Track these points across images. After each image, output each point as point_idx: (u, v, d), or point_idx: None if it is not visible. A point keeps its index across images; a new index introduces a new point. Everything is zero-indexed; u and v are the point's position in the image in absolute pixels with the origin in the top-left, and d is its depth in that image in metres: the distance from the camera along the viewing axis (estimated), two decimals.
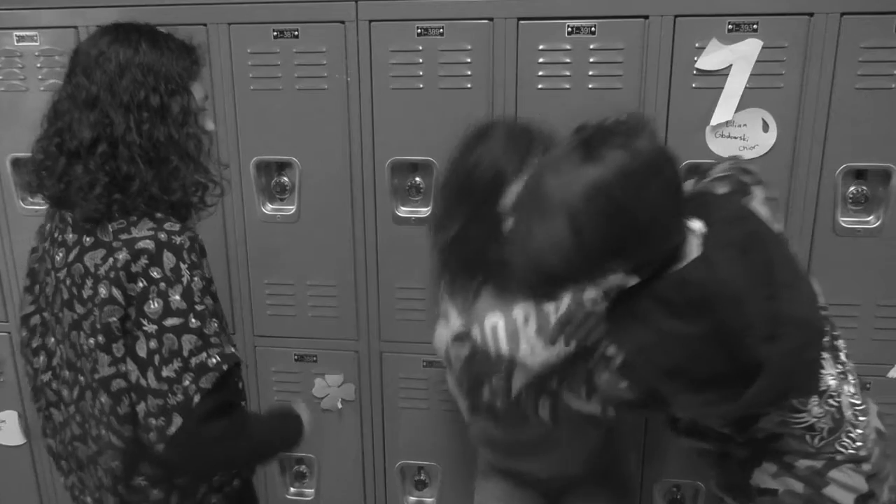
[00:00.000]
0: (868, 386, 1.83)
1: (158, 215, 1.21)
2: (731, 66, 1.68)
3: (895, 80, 1.64)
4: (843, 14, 1.62)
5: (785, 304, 1.10)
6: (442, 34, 1.78)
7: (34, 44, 1.93)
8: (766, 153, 1.72)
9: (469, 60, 1.78)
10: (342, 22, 1.80)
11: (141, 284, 1.16)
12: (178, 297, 1.17)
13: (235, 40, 1.85)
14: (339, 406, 2.08)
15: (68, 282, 1.23)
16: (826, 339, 1.27)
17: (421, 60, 1.80)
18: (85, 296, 1.20)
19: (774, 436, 1.25)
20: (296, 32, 1.83)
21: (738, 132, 1.72)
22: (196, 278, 1.20)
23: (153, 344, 1.17)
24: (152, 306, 1.16)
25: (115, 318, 1.17)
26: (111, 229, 1.20)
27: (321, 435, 2.11)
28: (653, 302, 1.14)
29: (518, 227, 1.17)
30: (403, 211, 1.93)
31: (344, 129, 1.87)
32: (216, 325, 1.23)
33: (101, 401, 1.21)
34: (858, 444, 1.27)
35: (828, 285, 1.78)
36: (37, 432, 2.25)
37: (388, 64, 1.80)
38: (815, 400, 1.23)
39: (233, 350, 1.26)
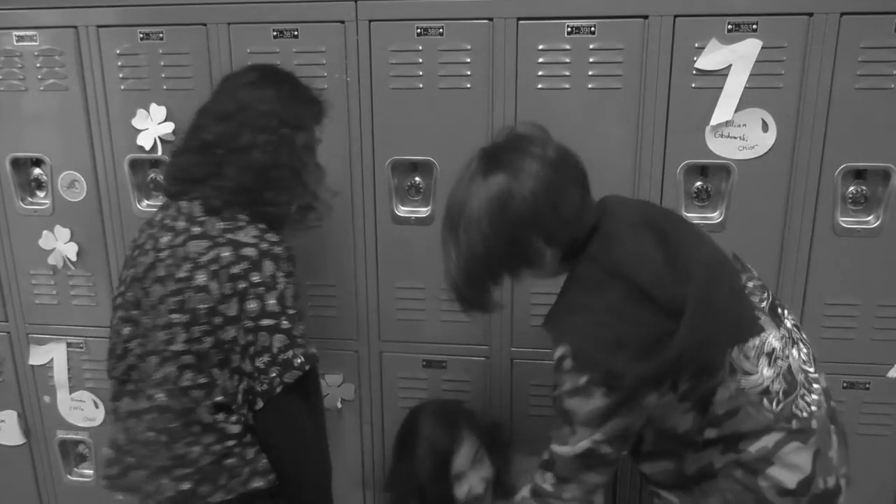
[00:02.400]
0: (868, 386, 1.84)
1: (261, 226, 1.39)
2: (730, 66, 1.68)
3: (895, 80, 1.65)
4: (842, 14, 1.62)
5: (687, 253, 1.22)
6: (442, 34, 1.78)
7: (34, 44, 1.93)
8: (766, 153, 1.72)
9: (469, 60, 1.78)
10: (342, 22, 1.80)
11: (241, 285, 1.32)
12: (273, 301, 1.33)
13: (235, 40, 1.85)
14: (339, 406, 2.08)
15: (169, 261, 1.37)
16: (762, 304, 1.33)
17: (421, 60, 1.80)
18: (178, 276, 1.35)
19: (734, 410, 1.25)
20: (295, 32, 1.83)
21: (738, 132, 1.72)
22: (290, 286, 1.36)
23: (250, 337, 1.33)
24: (250, 306, 1.33)
25: (203, 306, 1.33)
26: (219, 226, 1.37)
27: None
28: (573, 286, 1.27)
29: (451, 244, 1.28)
30: (403, 210, 1.93)
31: (344, 128, 1.87)
32: (303, 328, 1.38)
33: (169, 370, 1.36)
34: (813, 408, 1.29)
35: (827, 285, 1.80)
36: (36, 432, 2.27)
37: (388, 64, 1.80)
38: (764, 361, 1.27)
39: (314, 351, 1.39)
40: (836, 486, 1.30)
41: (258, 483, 1.41)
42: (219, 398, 1.38)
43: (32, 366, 2.21)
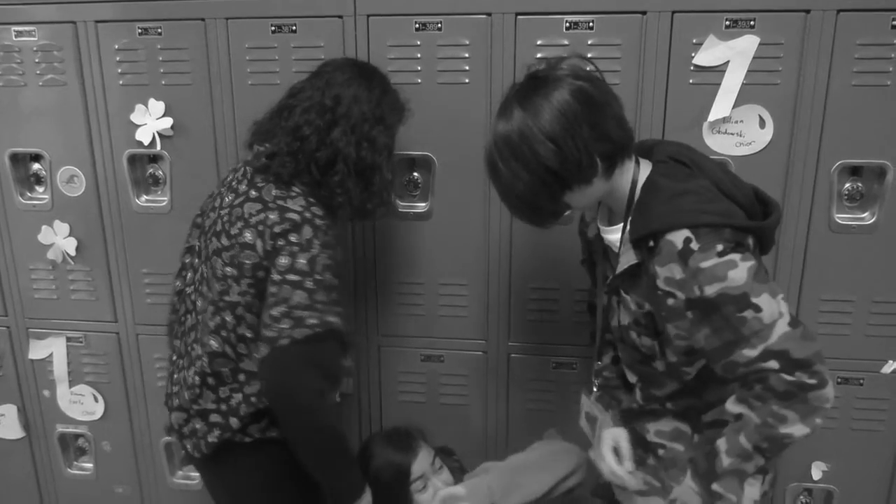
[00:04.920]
0: (862, 382, 1.85)
1: (311, 199, 1.49)
2: (728, 62, 1.68)
3: (891, 77, 1.65)
4: (839, 11, 1.62)
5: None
6: (440, 29, 1.78)
7: (32, 39, 1.93)
8: (763, 149, 1.73)
9: (467, 55, 1.78)
10: (340, 17, 1.81)
11: (280, 243, 1.43)
12: (303, 262, 1.43)
13: (233, 35, 1.86)
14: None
15: (225, 218, 1.51)
16: None
17: (419, 55, 1.80)
18: (232, 233, 1.48)
19: None
20: (293, 27, 1.83)
21: (735, 128, 1.72)
22: (324, 255, 1.45)
23: (273, 289, 1.43)
24: (282, 261, 1.43)
25: (248, 262, 1.45)
26: (273, 193, 1.48)
27: None
28: (660, 182, 1.27)
29: (515, 167, 1.24)
30: (402, 206, 1.93)
31: None
32: (325, 296, 1.44)
33: (226, 318, 1.49)
34: None
35: (823, 281, 1.81)
36: (35, 426, 2.28)
37: (386, 59, 1.81)
38: None
39: (333, 320, 1.45)
40: None
41: (273, 433, 1.55)
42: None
43: (32, 360, 2.22)
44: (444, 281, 1.96)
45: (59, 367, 2.20)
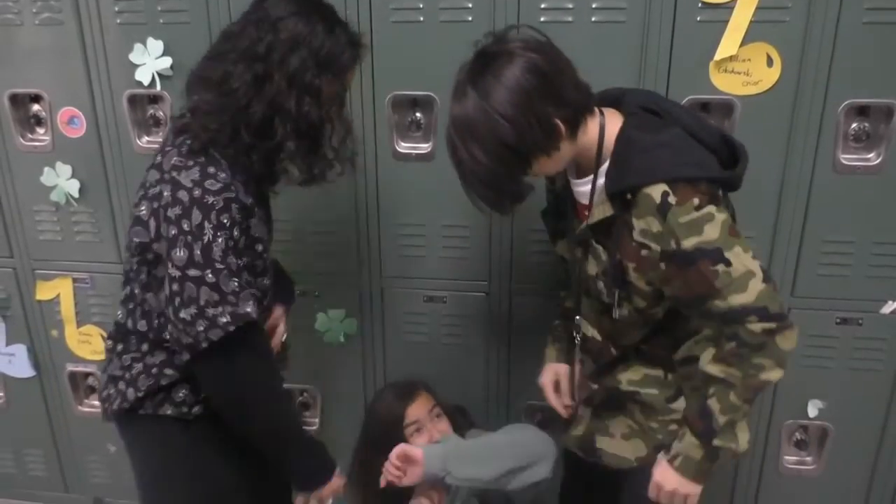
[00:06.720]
0: (861, 322, 1.87)
1: (210, 169, 1.30)
2: None
3: None
4: None
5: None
6: None
7: None
8: (770, 88, 1.71)
9: None
10: None
11: (173, 231, 1.27)
12: (199, 252, 1.26)
13: None
14: (342, 340, 2.12)
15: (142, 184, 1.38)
16: None
17: None
18: (135, 202, 1.37)
19: None
20: None
21: (742, 67, 1.70)
22: (220, 239, 1.28)
23: (175, 287, 1.28)
24: (178, 254, 1.27)
25: (137, 239, 1.34)
26: (172, 162, 1.31)
27: (324, 368, 2.17)
28: (634, 136, 1.27)
29: (474, 149, 1.22)
30: (403, 146, 1.92)
31: None
32: (236, 283, 1.30)
33: (134, 290, 1.41)
34: None
35: (825, 222, 1.80)
36: (45, 365, 2.32)
37: None
38: None
39: (247, 310, 1.31)
40: None
41: (168, 411, 1.42)
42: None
43: (39, 301, 2.24)
44: (447, 223, 1.97)
45: (67, 308, 2.23)
